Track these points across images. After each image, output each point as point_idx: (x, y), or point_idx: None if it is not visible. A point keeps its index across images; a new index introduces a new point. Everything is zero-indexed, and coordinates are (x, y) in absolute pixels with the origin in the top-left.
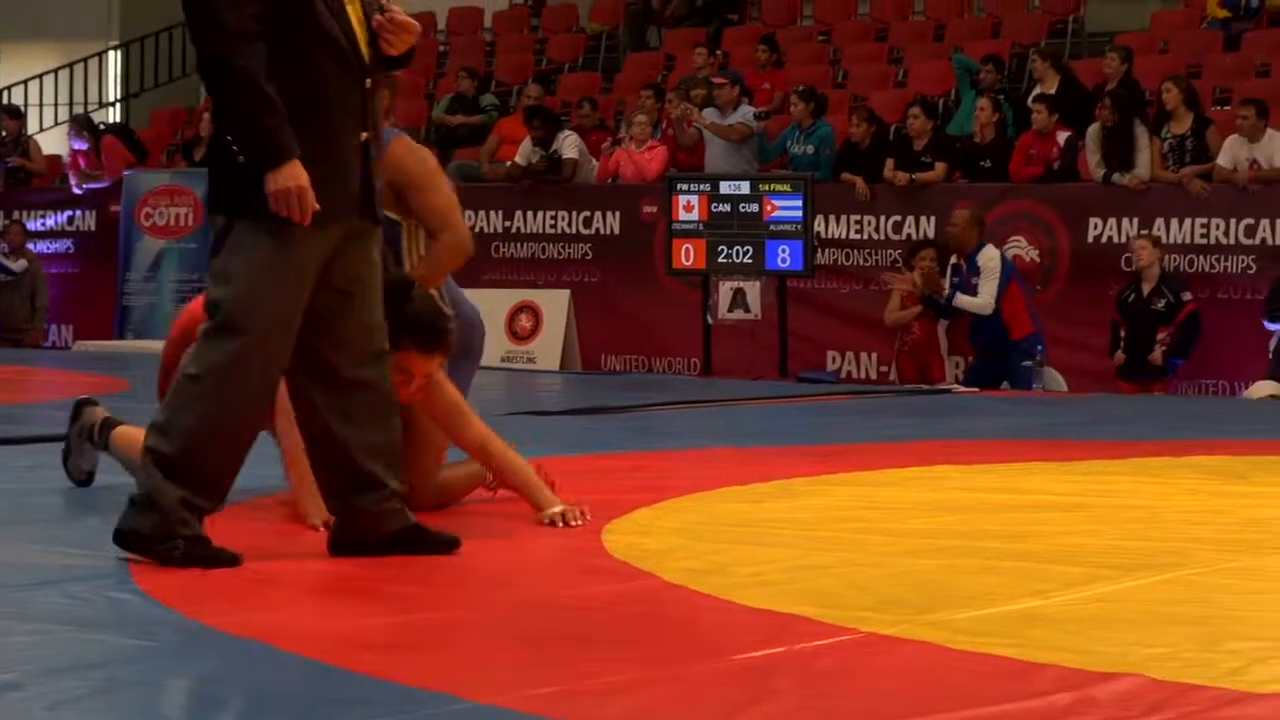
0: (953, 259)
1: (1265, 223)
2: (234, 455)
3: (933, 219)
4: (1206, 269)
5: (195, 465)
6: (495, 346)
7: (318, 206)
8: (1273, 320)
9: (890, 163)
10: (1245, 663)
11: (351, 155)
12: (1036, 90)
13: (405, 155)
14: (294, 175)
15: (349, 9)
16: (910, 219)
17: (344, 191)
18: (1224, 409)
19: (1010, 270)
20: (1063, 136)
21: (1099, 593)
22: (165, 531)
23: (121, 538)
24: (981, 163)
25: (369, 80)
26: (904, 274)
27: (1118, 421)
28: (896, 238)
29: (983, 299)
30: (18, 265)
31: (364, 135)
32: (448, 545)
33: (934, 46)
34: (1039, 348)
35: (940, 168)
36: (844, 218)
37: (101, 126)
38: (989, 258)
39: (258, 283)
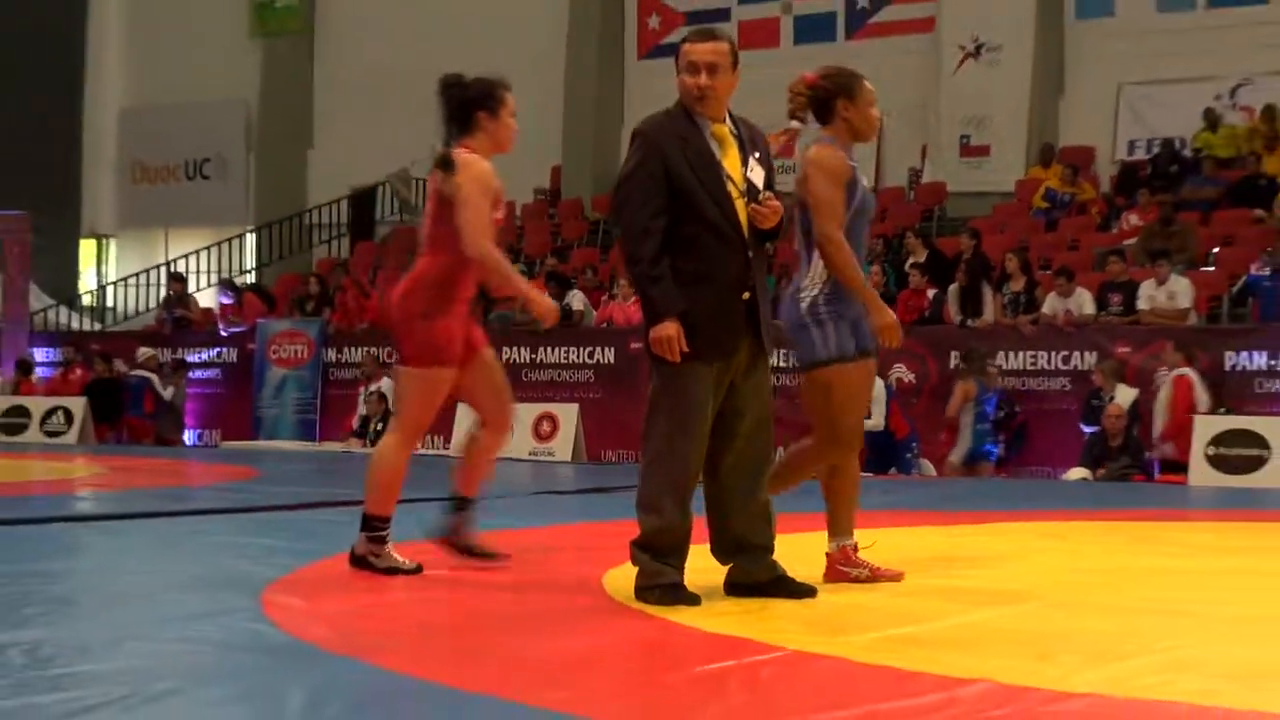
0: None
1: (1076, 354)
2: (683, 518)
3: None
4: (1035, 388)
5: (657, 541)
6: (524, 445)
7: (687, 349)
8: (1086, 424)
9: None
10: (1067, 671)
11: (736, 308)
12: (910, 259)
13: None
14: (663, 329)
15: (737, 203)
16: None
17: (729, 338)
18: (1048, 489)
19: (890, 393)
20: (931, 293)
21: (960, 621)
22: (646, 583)
23: (641, 594)
24: None
25: (750, 252)
26: None
27: (976, 496)
28: None
29: (873, 420)
30: (167, 392)
31: (745, 295)
32: (806, 593)
33: None
34: (914, 444)
35: None
36: None
37: (242, 286)
38: (877, 389)
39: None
